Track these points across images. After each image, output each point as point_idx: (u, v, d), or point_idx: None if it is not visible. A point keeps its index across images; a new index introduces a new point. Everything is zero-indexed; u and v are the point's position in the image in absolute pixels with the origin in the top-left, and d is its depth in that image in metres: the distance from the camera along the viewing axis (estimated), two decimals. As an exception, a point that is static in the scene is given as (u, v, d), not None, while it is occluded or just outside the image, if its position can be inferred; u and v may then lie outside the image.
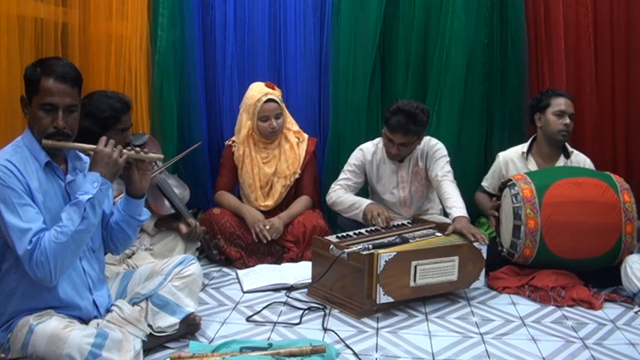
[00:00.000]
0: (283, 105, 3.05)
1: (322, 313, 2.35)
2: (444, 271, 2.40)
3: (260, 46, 3.36)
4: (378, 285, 2.27)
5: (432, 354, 2.02)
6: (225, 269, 2.92)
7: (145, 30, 3.10)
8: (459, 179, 2.86)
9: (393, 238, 2.46)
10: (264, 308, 2.40)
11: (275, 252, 2.98)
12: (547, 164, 2.96)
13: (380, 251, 2.28)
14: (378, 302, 2.29)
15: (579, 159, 2.97)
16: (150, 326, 1.95)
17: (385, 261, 2.26)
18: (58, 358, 1.64)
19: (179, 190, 2.89)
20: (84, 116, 2.03)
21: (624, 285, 2.48)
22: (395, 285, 2.30)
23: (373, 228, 2.67)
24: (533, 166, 2.96)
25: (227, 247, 2.95)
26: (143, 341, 1.88)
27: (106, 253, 2.04)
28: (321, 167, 3.37)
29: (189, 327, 2.10)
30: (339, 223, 2.96)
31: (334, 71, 3.35)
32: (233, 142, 3.10)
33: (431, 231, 2.66)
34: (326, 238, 2.54)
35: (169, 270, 2.07)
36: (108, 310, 1.93)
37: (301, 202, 3.05)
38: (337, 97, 3.35)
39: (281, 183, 3.05)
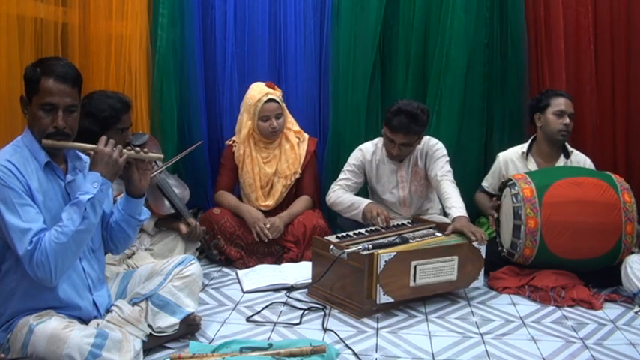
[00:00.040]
0: (284, 105, 3.05)
1: (322, 313, 2.35)
2: (443, 270, 2.40)
3: (260, 46, 3.35)
4: (378, 285, 2.27)
5: (432, 354, 2.02)
6: (225, 269, 2.92)
7: (145, 30, 3.11)
8: (459, 179, 2.86)
9: (393, 238, 2.46)
10: (264, 308, 2.40)
11: (275, 252, 2.98)
12: (547, 164, 2.96)
13: (380, 251, 2.28)
14: (378, 302, 2.29)
15: (579, 159, 2.97)
16: (150, 326, 1.95)
17: (385, 261, 2.26)
18: (58, 358, 1.64)
19: (179, 190, 2.89)
20: (84, 116, 2.03)
21: (624, 285, 2.48)
22: (395, 285, 2.31)
23: (373, 228, 2.67)
24: (533, 166, 2.96)
25: (227, 247, 2.95)
26: (143, 341, 1.88)
27: (106, 253, 2.04)
28: (321, 167, 3.36)
29: (189, 327, 2.10)
30: (339, 223, 2.96)
31: (334, 71, 3.34)
32: (233, 142, 3.10)
33: (431, 231, 2.66)
34: (326, 238, 2.54)
35: (169, 270, 2.07)
36: (108, 310, 1.93)
37: (301, 202, 3.05)
38: (337, 97, 3.34)
39: (281, 183, 3.05)
